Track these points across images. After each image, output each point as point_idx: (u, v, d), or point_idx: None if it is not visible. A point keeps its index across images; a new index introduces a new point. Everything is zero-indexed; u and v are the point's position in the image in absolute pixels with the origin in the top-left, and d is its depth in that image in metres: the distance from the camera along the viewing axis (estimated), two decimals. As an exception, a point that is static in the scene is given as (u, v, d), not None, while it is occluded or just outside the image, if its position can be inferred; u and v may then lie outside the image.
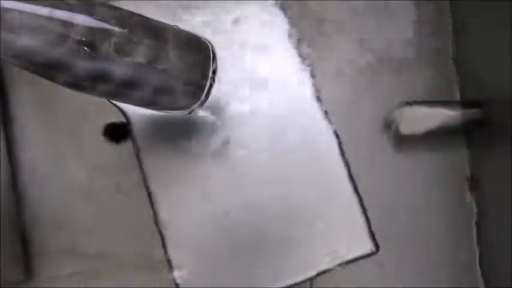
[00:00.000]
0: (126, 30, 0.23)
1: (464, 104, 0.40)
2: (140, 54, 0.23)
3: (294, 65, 0.32)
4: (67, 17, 0.21)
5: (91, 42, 0.21)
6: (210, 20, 0.32)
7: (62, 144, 0.42)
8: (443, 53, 0.43)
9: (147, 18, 0.24)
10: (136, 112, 0.31)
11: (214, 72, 0.27)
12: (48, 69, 0.22)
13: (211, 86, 0.27)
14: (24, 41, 0.20)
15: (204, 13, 0.32)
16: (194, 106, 0.27)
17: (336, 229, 0.31)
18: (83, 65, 0.22)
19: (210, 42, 0.27)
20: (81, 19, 0.21)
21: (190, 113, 0.28)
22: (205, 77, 0.27)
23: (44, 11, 0.20)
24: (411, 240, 0.41)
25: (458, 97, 0.42)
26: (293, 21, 0.33)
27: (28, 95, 0.43)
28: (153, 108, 0.28)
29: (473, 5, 0.39)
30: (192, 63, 0.26)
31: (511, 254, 0.35)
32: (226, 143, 0.32)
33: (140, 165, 0.32)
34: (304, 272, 0.31)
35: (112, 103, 0.30)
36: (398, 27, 0.43)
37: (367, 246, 0.31)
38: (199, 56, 0.26)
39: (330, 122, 0.32)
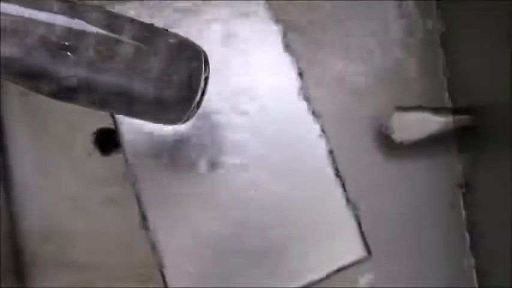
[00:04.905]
0: (111, 34, 0.21)
1: (456, 110, 0.40)
2: (127, 61, 0.22)
3: (289, 77, 0.32)
4: (47, 18, 0.20)
5: (73, 46, 0.20)
6: (202, 29, 0.33)
7: (53, 155, 0.42)
8: (434, 61, 0.43)
9: (136, 21, 0.23)
10: (126, 121, 0.31)
11: (206, 79, 0.26)
12: (29, 78, 0.21)
13: (203, 93, 0.26)
14: (4, 47, 0.19)
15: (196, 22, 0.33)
16: (186, 114, 0.26)
17: (329, 236, 0.31)
18: (65, 72, 0.20)
19: (202, 49, 0.26)
20: (62, 20, 0.20)
21: (182, 122, 0.28)
22: (197, 84, 0.25)
23: (24, 11, 0.19)
24: (403, 247, 0.41)
25: (449, 104, 0.42)
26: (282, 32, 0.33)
27: (19, 106, 0.43)
28: (143, 118, 0.26)
29: (462, 11, 0.39)
30: (183, 70, 0.25)
31: (507, 258, 0.35)
32: (219, 157, 0.32)
33: (131, 175, 0.32)
34: (298, 281, 0.31)
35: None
36: (389, 34, 0.43)
37: (360, 252, 0.31)
38: (191, 62, 0.25)
39: (322, 131, 0.32)
